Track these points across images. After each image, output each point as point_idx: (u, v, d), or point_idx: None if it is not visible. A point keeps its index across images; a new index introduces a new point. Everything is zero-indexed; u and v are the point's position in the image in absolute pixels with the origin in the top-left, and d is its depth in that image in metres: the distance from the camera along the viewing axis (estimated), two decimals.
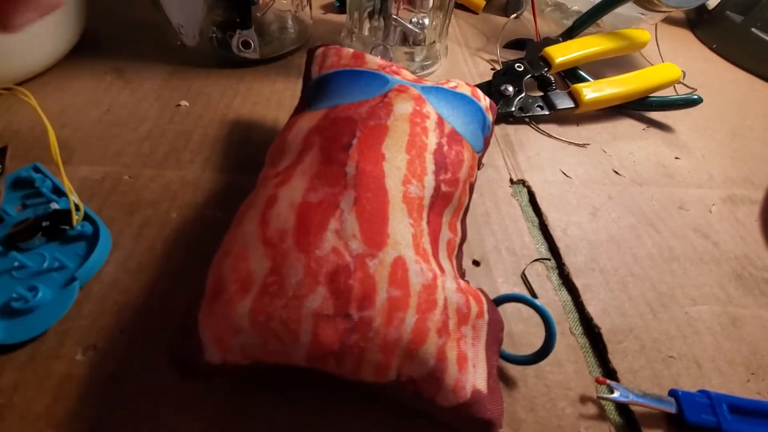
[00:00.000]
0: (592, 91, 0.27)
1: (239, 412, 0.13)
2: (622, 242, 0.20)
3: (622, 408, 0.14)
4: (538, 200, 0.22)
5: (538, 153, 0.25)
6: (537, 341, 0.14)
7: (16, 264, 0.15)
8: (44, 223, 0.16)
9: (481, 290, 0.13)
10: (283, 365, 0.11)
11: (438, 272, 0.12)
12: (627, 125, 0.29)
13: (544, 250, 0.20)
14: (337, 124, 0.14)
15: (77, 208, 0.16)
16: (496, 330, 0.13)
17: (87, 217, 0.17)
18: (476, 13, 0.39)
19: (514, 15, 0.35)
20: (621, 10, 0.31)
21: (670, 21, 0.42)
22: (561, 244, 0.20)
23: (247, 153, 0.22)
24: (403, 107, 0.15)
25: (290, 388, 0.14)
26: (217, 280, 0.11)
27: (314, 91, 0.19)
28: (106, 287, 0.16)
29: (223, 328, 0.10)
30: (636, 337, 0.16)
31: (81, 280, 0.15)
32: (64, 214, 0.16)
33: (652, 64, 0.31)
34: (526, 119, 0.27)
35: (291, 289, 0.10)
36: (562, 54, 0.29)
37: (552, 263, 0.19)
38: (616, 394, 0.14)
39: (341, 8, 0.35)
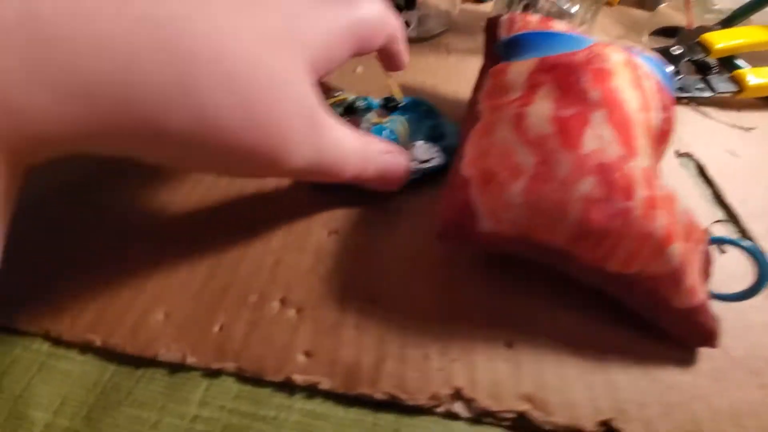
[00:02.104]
0: (756, 77, 0.27)
1: (467, 281, 0.15)
2: None
3: None
4: (709, 173, 0.22)
5: (700, 132, 0.25)
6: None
7: None
8: None
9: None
10: (541, 245, 0.13)
11: (672, 190, 0.13)
12: None
13: (721, 216, 0.20)
14: (561, 67, 0.16)
15: None
16: (707, 260, 0.14)
17: None
18: (612, 5, 0.39)
19: (661, 4, 0.35)
20: None
21: None
22: (740, 212, 0.20)
23: None
24: (616, 56, 0.17)
25: (524, 271, 0.16)
26: (486, 171, 0.13)
27: (507, 49, 0.21)
28: None
29: (497, 204, 0.13)
30: None
31: None
32: None
33: None
34: (685, 99, 0.27)
35: (561, 177, 0.12)
36: (722, 40, 0.28)
37: (733, 227, 0.19)
38: None
39: None
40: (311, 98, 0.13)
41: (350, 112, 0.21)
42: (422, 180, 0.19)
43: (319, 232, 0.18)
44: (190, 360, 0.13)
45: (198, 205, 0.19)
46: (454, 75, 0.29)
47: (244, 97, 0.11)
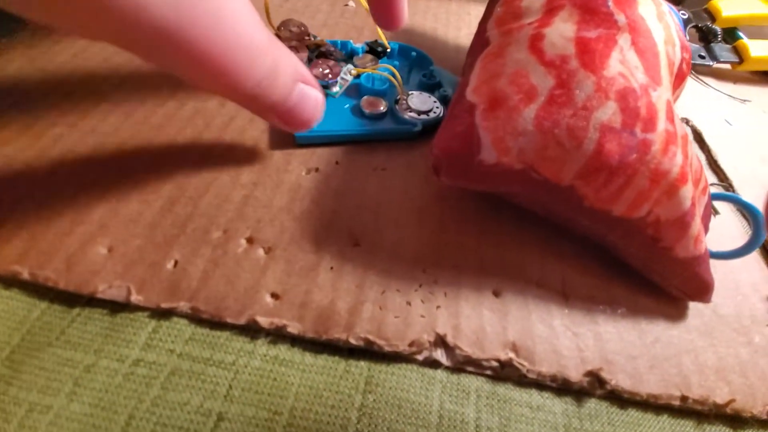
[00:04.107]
0: (759, 48, 0.26)
1: (457, 227, 0.14)
2: None
3: None
4: (705, 138, 0.21)
5: (698, 99, 0.24)
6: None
7: None
8: None
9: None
10: (546, 183, 0.12)
11: (686, 131, 0.12)
12: None
13: (715, 180, 0.19)
14: None
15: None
16: (708, 213, 0.14)
17: None
18: None
19: None
20: None
21: None
22: (733, 177, 0.19)
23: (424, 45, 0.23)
24: None
25: (517, 219, 0.15)
26: (495, 93, 0.12)
27: None
28: None
29: (505, 130, 0.11)
30: None
31: None
32: None
33: None
34: None
35: (580, 101, 0.11)
36: (730, 8, 0.27)
37: (728, 187, 0.19)
38: None
39: None
40: None
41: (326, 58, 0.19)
42: (422, 134, 0.17)
43: (298, 169, 0.16)
44: (136, 298, 0.12)
45: (160, 128, 0.16)
46: (454, 21, 0.26)
47: None
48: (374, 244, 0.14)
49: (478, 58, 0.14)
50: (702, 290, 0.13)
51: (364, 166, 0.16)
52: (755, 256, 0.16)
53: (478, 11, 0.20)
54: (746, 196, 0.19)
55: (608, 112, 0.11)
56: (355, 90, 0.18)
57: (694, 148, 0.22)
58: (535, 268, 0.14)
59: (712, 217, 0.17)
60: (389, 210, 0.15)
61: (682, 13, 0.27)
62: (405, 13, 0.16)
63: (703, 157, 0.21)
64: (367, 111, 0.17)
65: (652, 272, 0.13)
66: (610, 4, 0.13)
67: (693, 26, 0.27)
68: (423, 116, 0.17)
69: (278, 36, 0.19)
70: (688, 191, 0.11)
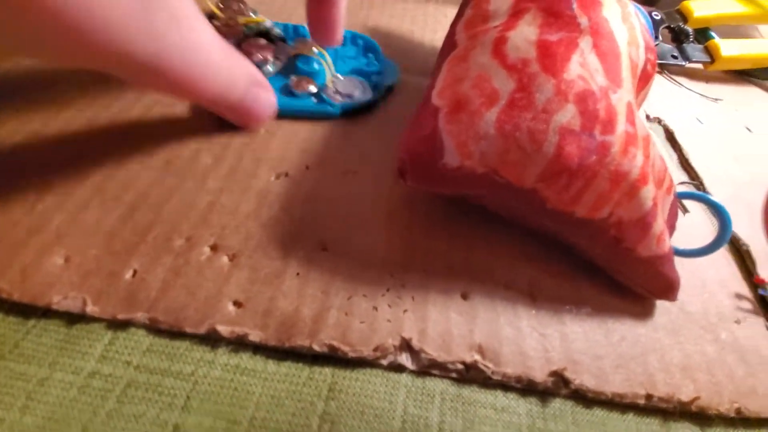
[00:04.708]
0: (730, 48, 0.26)
1: (426, 231, 0.14)
2: (766, 185, 0.20)
3: None
4: (677, 138, 0.22)
5: (671, 98, 0.25)
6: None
7: None
8: None
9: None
10: (509, 186, 0.12)
11: (649, 132, 0.12)
12: (757, 93, 0.28)
13: (686, 179, 0.20)
14: None
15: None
16: (674, 213, 0.14)
17: None
18: None
19: None
20: None
21: None
22: (705, 176, 0.20)
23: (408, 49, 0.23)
24: None
25: (485, 222, 0.15)
26: (458, 97, 0.12)
27: None
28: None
29: (468, 135, 0.11)
30: None
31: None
32: None
33: None
34: (658, 67, 0.26)
35: (540, 104, 0.11)
36: (702, 8, 0.28)
37: (699, 186, 0.19)
38: None
39: None
40: None
41: (264, 38, 0.19)
42: (345, 115, 0.18)
43: (267, 174, 0.16)
44: (92, 309, 0.11)
45: (125, 135, 0.16)
46: (431, 23, 0.26)
47: None
48: (342, 248, 0.14)
49: (445, 60, 0.14)
50: (667, 288, 0.13)
51: (334, 171, 0.16)
52: (723, 253, 0.16)
53: (455, 14, 0.20)
54: (717, 194, 0.19)
55: (567, 115, 0.11)
56: (293, 70, 0.19)
57: (666, 148, 0.22)
58: (504, 271, 0.14)
59: (682, 215, 0.18)
60: (358, 214, 0.15)
61: (655, 14, 0.27)
62: (340, 31, 0.17)
63: (675, 156, 0.21)
64: (296, 90, 0.18)
65: (617, 272, 0.13)
66: (575, 6, 0.13)
67: (666, 27, 0.27)
68: (346, 99, 0.18)
69: (220, 8, 0.19)
70: (649, 192, 0.11)
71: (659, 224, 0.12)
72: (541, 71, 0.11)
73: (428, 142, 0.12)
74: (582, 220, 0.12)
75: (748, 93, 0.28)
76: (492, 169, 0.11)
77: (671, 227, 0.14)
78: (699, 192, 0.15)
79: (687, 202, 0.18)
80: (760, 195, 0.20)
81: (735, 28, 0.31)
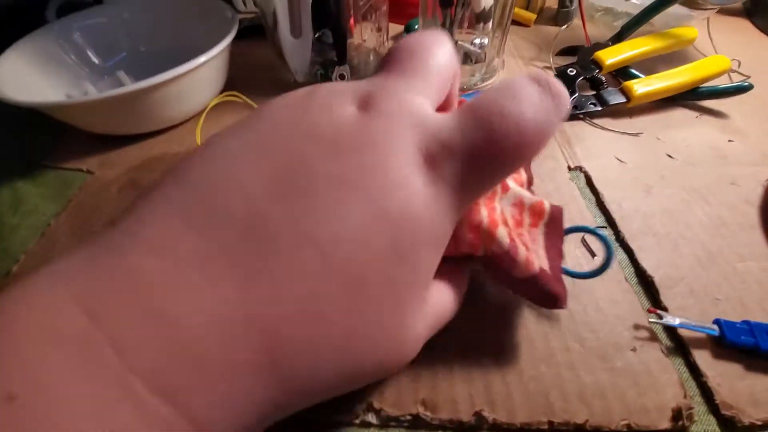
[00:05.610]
0: (642, 86, 0.30)
1: None
2: (674, 213, 0.24)
3: (670, 332, 0.18)
4: (595, 182, 0.26)
5: (593, 144, 0.29)
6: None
7: None
8: None
9: (554, 205, 0.18)
10: None
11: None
12: (680, 114, 0.31)
13: (601, 221, 0.24)
14: None
15: None
16: (553, 243, 0.18)
17: None
18: (528, 26, 0.43)
19: (565, 26, 0.39)
20: (672, 9, 0.34)
21: (726, 12, 0.43)
22: (617, 216, 0.23)
23: None
24: None
25: None
26: None
27: None
28: None
29: None
30: (686, 284, 0.20)
31: None
32: None
33: (705, 56, 0.33)
34: (581, 116, 0.31)
35: None
36: (611, 56, 0.32)
37: (609, 231, 0.23)
38: (665, 320, 0.18)
39: None
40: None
41: None
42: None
43: None
44: None
45: None
46: None
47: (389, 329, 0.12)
48: None
49: None
50: (551, 301, 0.16)
51: None
52: (626, 287, 0.20)
53: None
54: (629, 229, 0.23)
55: None
56: None
57: (586, 193, 0.25)
58: (441, 330, 0.18)
59: (582, 245, 0.22)
60: None
61: (570, 71, 0.32)
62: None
63: (594, 199, 0.25)
64: None
65: (515, 291, 0.16)
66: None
67: (582, 78, 0.32)
68: None
69: None
70: (502, 231, 0.15)
71: (522, 252, 0.15)
72: None
73: None
74: (477, 257, 0.16)
75: (672, 117, 0.31)
76: None
77: (557, 253, 0.17)
78: (582, 225, 0.19)
79: (594, 247, 0.22)
80: (670, 224, 0.23)
81: (670, 54, 0.34)
